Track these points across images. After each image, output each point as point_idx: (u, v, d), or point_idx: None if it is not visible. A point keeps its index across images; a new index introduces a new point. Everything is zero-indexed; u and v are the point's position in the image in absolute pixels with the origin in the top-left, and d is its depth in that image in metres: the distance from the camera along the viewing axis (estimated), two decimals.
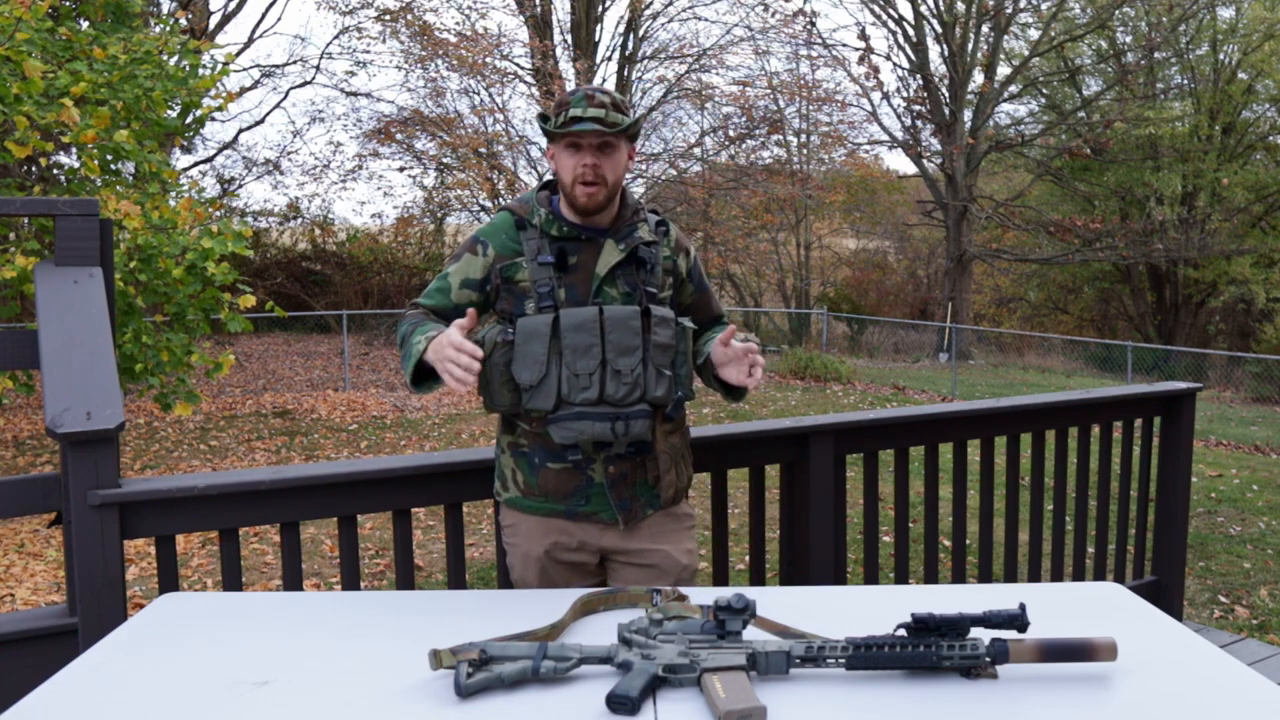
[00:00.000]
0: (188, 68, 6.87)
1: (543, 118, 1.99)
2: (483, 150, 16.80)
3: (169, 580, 2.19)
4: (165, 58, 6.80)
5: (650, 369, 1.95)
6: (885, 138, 21.06)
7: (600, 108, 1.93)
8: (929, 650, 1.39)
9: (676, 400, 2.00)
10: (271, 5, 25.17)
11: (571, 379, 1.91)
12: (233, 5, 23.01)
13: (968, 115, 20.43)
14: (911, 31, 20.46)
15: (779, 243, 22.51)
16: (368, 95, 23.86)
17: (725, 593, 1.46)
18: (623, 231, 2.03)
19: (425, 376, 1.92)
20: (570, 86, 16.22)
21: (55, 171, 9.04)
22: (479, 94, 17.37)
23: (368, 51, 25.93)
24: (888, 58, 25.37)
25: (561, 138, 1.96)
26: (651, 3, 17.89)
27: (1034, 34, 21.16)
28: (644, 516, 2.08)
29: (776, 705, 1.31)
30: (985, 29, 20.29)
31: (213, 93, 7.25)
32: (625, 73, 17.97)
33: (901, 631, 1.42)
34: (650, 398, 1.95)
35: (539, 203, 2.04)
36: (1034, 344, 19.66)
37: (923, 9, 20.36)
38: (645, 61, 18.28)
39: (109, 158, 6.32)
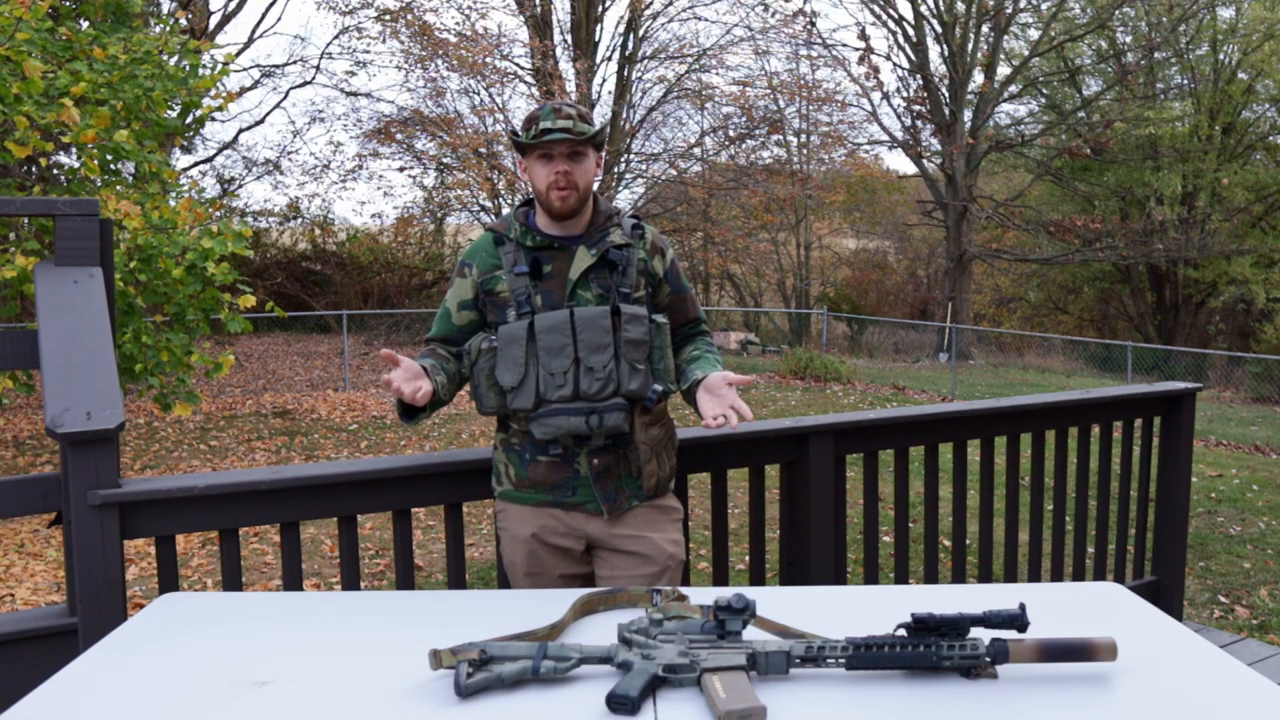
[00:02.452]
0: (188, 68, 6.87)
1: (515, 134, 2.11)
2: (483, 150, 16.80)
3: (169, 580, 2.19)
4: (165, 58, 6.80)
5: (624, 364, 2.06)
6: (885, 138, 21.08)
7: (568, 119, 2.07)
8: (929, 650, 1.39)
9: (655, 393, 2.08)
10: (271, 5, 25.21)
11: (548, 378, 2.05)
12: (233, 5, 23.03)
13: (968, 115, 20.44)
14: (911, 31, 20.47)
15: (779, 243, 22.53)
16: (368, 95, 23.89)
17: (725, 593, 1.46)
18: (594, 238, 2.14)
19: (413, 411, 2.09)
20: (570, 87, 16.22)
21: (55, 171, 9.04)
22: (479, 94, 17.38)
23: (368, 51, 25.94)
24: (888, 58, 25.39)
25: (534, 150, 2.09)
26: (651, 3, 17.90)
27: (1034, 34, 21.18)
28: (629, 508, 2.16)
29: (776, 705, 1.31)
30: (985, 29, 20.29)
31: (213, 93, 7.25)
32: (625, 73, 17.97)
33: (901, 631, 1.42)
34: (625, 391, 2.06)
35: (516, 219, 2.17)
36: (1034, 344, 19.66)
37: (923, 9, 20.37)
38: (645, 61, 18.29)
39: (109, 158, 6.32)
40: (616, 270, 2.12)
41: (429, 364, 2.07)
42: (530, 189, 2.18)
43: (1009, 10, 20.15)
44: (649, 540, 2.15)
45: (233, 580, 2.26)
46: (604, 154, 2.23)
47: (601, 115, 17.34)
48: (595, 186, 2.20)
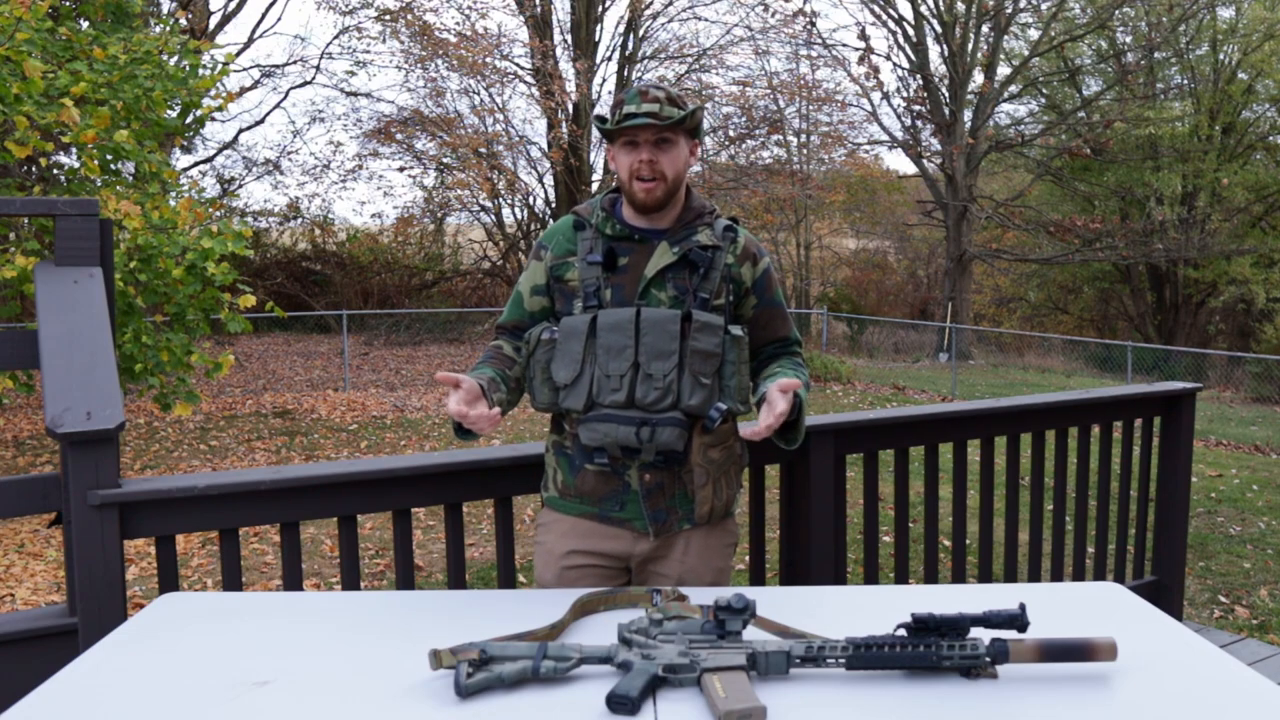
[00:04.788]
0: (188, 68, 6.87)
1: (600, 119, 1.96)
2: (483, 150, 16.81)
3: (169, 580, 2.19)
4: (165, 58, 6.80)
5: (687, 375, 1.88)
6: (885, 138, 21.08)
7: (654, 103, 1.90)
8: (929, 650, 1.39)
9: (719, 411, 1.89)
10: (271, 5, 25.17)
11: (603, 380, 1.88)
12: (233, 5, 23.00)
13: (968, 115, 20.43)
14: (911, 31, 20.47)
15: (779, 243, 22.53)
16: (368, 95, 23.85)
17: (725, 593, 1.46)
18: (679, 234, 1.98)
19: (467, 430, 1.92)
20: (570, 87, 16.21)
21: (55, 171, 9.04)
22: (479, 94, 17.40)
23: (368, 51, 25.94)
24: (888, 58, 25.34)
25: (618, 136, 1.94)
26: (651, 3, 17.89)
27: (1034, 34, 21.18)
28: (678, 531, 2.01)
29: (776, 705, 1.31)
30: (985, 29, 20.29)
31: (213, 93, 7.25)
32: (625, 73, 17.97)
33: (901, 631, 1.42)
34: (684, 406, 1.87)
35: (602, 205, 2.03)
36: (1034, 344, 19.66)
37: (923, 9, 20.37)
38: (645, 61, 18.28)
39: (109, 158, 6.32)
40: (697, 272, 1.95)
41: (489, 376, 1.92)
42: (615, 175, 2.03)
43: (1009, 10, 20.14)
44: (689, 567, 2.01)
45: (233, 580, 2.26)
46: (699, 141, 2.05)
47: None
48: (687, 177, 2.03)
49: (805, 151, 21.27)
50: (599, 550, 2.01)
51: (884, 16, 20.37)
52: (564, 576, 2.03)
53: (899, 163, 38.61)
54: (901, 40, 20.53)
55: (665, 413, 1.87)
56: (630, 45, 18.08)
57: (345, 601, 1.80)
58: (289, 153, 28.52)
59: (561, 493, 2.05)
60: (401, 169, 22.26)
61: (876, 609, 1.65)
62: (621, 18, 18.19)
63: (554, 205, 17.87)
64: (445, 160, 18.03)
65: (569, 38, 17.57)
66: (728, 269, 1.99)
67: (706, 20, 30.34)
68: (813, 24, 18.93)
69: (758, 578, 2.92)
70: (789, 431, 2.00)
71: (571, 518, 2.03)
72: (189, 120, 7.53)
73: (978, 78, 20.68)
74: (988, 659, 1.39)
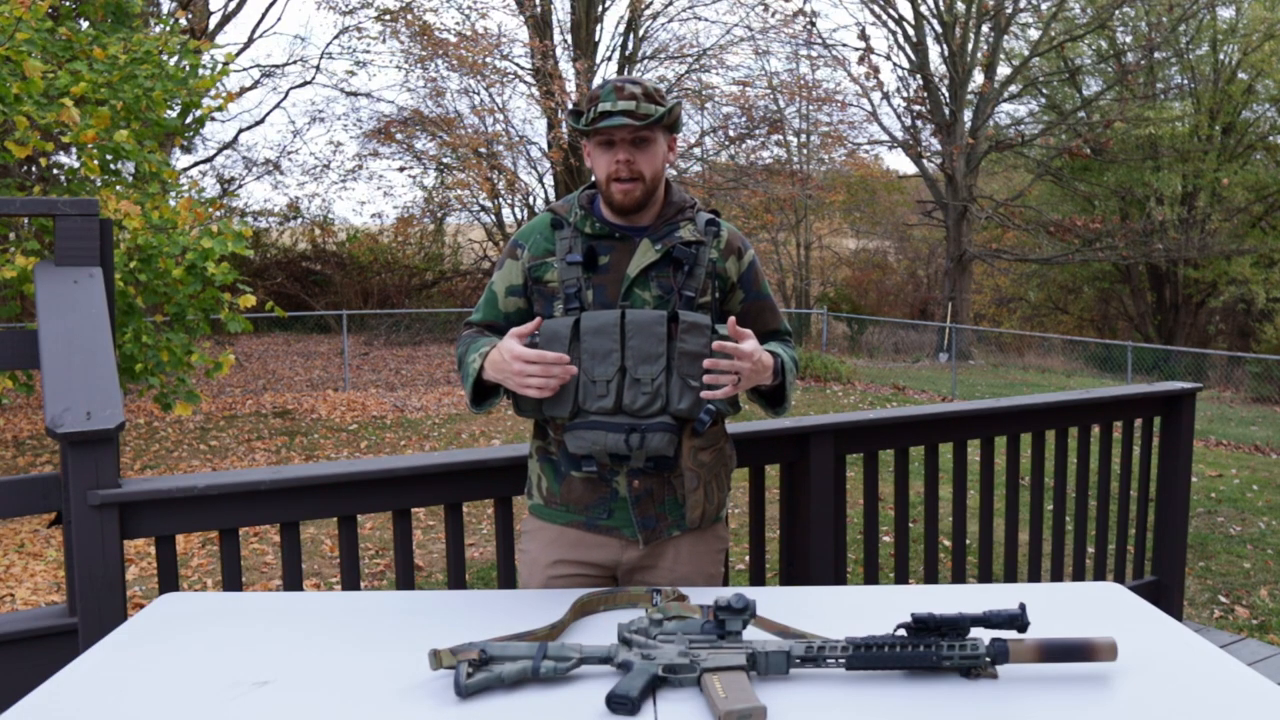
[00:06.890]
0: (188, 68, 6.87)
1: (576, 114, 1.89)
2: (483, 150, 16.82)
3: (169, 580, 2.19)
4: (165, 58, 6.80)
5: (675, 378, 1.80)
6: (885, 138, 21.08)
7: (630, 99, 1.83)
8: (929, 650, 1.39)
9: (709, 414, 1.83)
10: (271, 5, 25.18)
11: (588, 385, 1.81)
12: (233, 5, 22.99)
13: (968, 115, 20.43)
14: (911, 31, 20.48)
15: (779, 243, 22.54)
16: (368, 95, 23.89)
17: (725, 593, 1.46)
18: (662, 231, 1.91)
19: (485, 395, 1.90)
20: (570, 87, 16.20)
21: (55, 171, 9.05)
22: (479, 94, 17.41)
23: (368, 51, 25.97)
24: (888, 58, 25.42)
25: (593, 135, 1.87)
26: (651, 3, 17.91)
27: (1034, 34, 21.18)
28: (668, 538, 1.96)
29: (776, 705, 1.31)
30: (985, 29, 20.29)
31: (213, 93, 7.25)
32: (625, 73, 17.98)
33: (901, 631, 1.42)
34: (673, 410, 1.81)
35: (579, 202, 1.95)
36: (1034, 344, 19.66)
37: (923, 9, 20.37)
38: (645, 61, 18.29)
39: (109, 158, 6.32)
40: (681, 270, 1.88)
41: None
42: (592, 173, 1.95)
43: (1009, 10, 20.15)
44: (679, 575, 1.96)
45: (233, 580, 2.26)
46: (678, 136, 1.98)
47: None
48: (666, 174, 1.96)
49: (805, 151, 21.28)
50: (585, 560, 1.96)
51: (884, 16, 20.40)
52: (549, 586, 1.98)
53: (899, 163, 38.66)
54: (901, 40, 20.55)
55: (654, 417, 1.81)
56: (630, 45, 18.09)
57: (345, 601, 1.80)
58: (289, 153, 28.60)
59: (547, 500, 1.99)
60: (401, 169, 22.32)
61: (876, 609, 1.65)
62: (621, 18, 18.21)
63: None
64: (445, 160, 18.06)
65: (569, 38, 17.58)
66: (712, 264, 1.93)
67: (706, 20, 30.36)
68: (813, 24, 18.95)
69: (758, 578, 2.92)
70: (777, 400, 1.97)
71: (558, 526, 1.97)
72: (189, 120, 7.53)
73: (978, 78, 20.69)
74: (988, 659, 1.39)
